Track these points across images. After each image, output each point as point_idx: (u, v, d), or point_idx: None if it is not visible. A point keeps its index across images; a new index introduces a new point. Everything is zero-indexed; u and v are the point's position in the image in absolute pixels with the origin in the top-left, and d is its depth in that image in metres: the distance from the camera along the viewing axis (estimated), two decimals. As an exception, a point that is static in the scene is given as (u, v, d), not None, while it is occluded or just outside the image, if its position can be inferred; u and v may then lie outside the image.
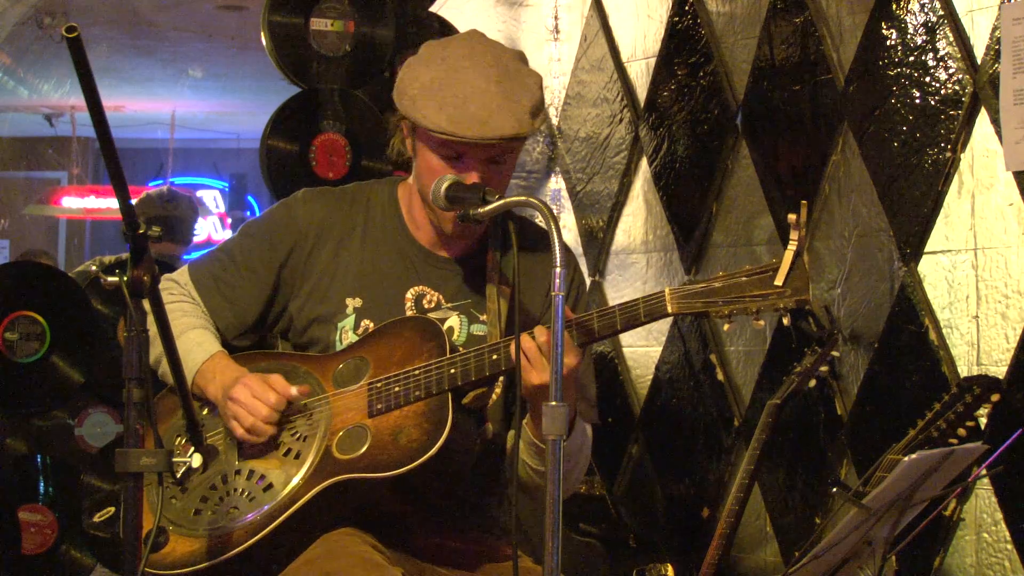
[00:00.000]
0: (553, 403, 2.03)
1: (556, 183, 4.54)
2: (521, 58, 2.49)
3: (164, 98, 11.64)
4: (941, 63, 3.24)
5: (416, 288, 2.55)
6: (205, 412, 2.51)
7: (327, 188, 2.67)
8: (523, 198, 2.31)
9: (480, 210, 2.33)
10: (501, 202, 2.31)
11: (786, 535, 3.63)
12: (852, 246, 3.46)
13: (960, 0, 3.22)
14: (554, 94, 4.52)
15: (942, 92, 3.24)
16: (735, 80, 3.85)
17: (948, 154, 3.21)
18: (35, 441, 3.91)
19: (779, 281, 2.23)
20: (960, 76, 3.20)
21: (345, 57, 4.16)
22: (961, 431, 2.61)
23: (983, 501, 3.12)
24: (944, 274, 3.24)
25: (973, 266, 3.18)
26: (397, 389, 2.38)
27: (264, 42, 4.11)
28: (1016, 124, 3.05)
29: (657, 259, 4.14)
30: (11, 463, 3.85)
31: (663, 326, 4.07)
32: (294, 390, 2.42)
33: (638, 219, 4.22)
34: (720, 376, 3.88)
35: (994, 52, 3.11)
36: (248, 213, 12.83)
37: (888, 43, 3.36)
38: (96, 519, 3.79)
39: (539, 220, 2.44)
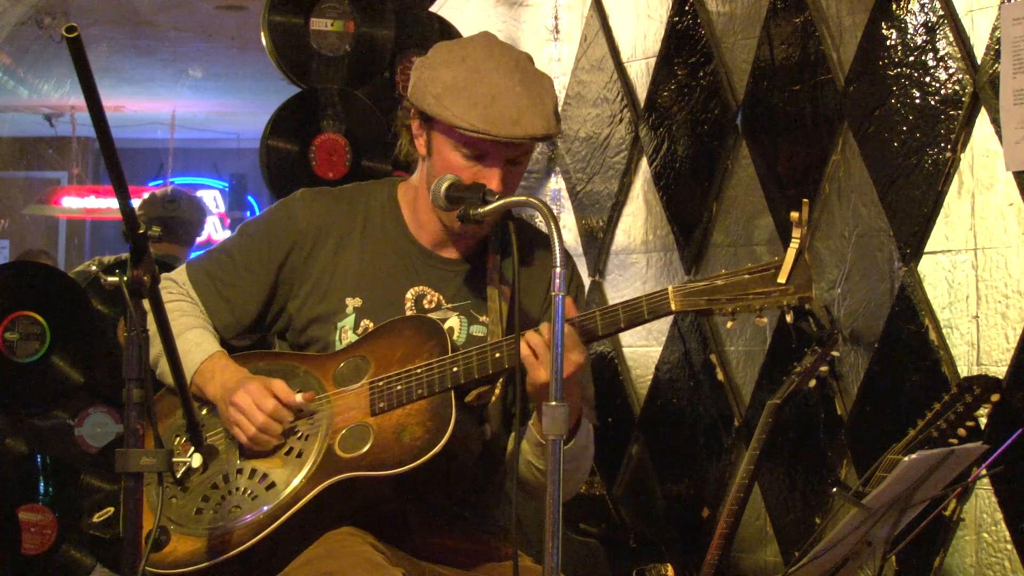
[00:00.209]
0: (553, 403, 2.03)
1: (556, 183, 4.54)
2: (531, 60, 2.51)
3: (164, 98, 11.64)
4: (941, 63, 3.24)
5: (416, 288, 2.55)
6: (204, 412, 2.51)
7: (326, 188, 2.67)
8: (523, 198, 2.32)
9: (480, 210, 2.33)
10: (501, 202, 2.31)
11: (786, 535, 3.63)
12: (852, 246, 3.46)
13: (960, 0, 3.22)
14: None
15: (942, 92, 3.23)
16: (735, 80, 3.85)
17: (948, 154, 3.21)
18: (35, 441, 3.90)
19: (782, 279, 2.24)
20: (960, 76, 3.20)
21: (345, 57, 4.15)
22: (961, 431, 2.62)
23: (983, 501, 3.12)
24: (944, 274, 3.24)
25: (973, 266, 3.18)
26: (399, 387, 2.38)
27: (264, 42, 4.10)
28: (1016, 124, 3.05)
29: (657, 259, 4.14)
30: (11, 463, 3.84)
31: (663, 326, 4.07)
32: (299, 397, 2.41)
33: (638, 219, 4.22)
34: (720, 376, 3.88)
35: (994, 52, 3.11)
36: (248, 213, 12.82)
37: (888, 43, 3.36)
38: (95, 519, 3.79)
39: (539, 220, 2.45)
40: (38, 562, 3.80)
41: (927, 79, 3.27)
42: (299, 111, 4.13)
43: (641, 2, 4.22)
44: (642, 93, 4.18)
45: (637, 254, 4.21)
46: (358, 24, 4.16)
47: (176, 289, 2.60)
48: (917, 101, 3.29)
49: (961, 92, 3.19)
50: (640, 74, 4.21)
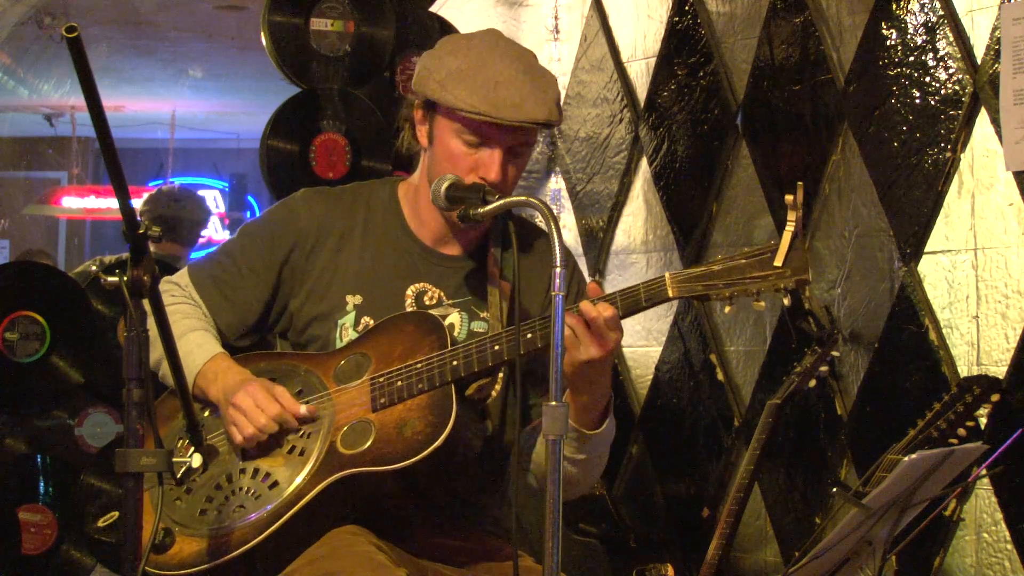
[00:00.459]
0: (553, 403, 2.02)
1: (556, 183, 4.54)
2: (535, 57, 2.53)
3: (164, 98, 11.64)
4: (941, 63, 3.24)
5: (417, 285, 2.56)
6: (206, 414, 2.51)
7: (326, 188, 2.67)
8: (523, 198, 2.32)
9: (480, 210, 2.33)
10: (501, 202, 2.32)
11: (786, 535, 3.63)
12: (852, 246, 3.46)
13: (960, 0, 3.22)
14: (554, 94, 4.52)
15: (942, 92, 3.23)
16: (735, 80, 3.85)
17: (948, 154, 3.21)
18: (35, 441, 3.90)
19: (778, 262, 2.24)
20: (960, 76, 3.20)
21: (345, 57, 4.15)
22: (961, 431, 2.62)
23: (983, 501, 3.12)
24: (944, 274, 3.24)
25: (973, 266, 3.18)
26: (400, 383, 2.39)
27: (264, 42, 4.10)
28: (1016, 124, 3.05)
29: (657, 259, 4.14)
30: (11, 463, 3.84)
31: (663, 326, 4.07)
32: (303, 408, 2.42)
33: (638, 219, 4.22)
34: (720, 376, 3.88)
35: (994, 52, 3.11)
36: (248, 213, 12.83)
37: (888, 43, 3.36)
38: (101, 523, 3.79)
39: (539, 220, 2.45)
40: (38, 562, 3.80)
41: (927, 79, 3.27)
42: (299, 111, 4.13)
43: (641, 2, 4.22)
44: (642, 93, 4.19)
45: (637, 254, 4.21)
46: (358, 24, 4.16)
47: (178, 292, 2.60)
48: (917, 101, 3.29)
49: (961, 92, 3.19)
50: (640, 74, 4.21)
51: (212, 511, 2.39)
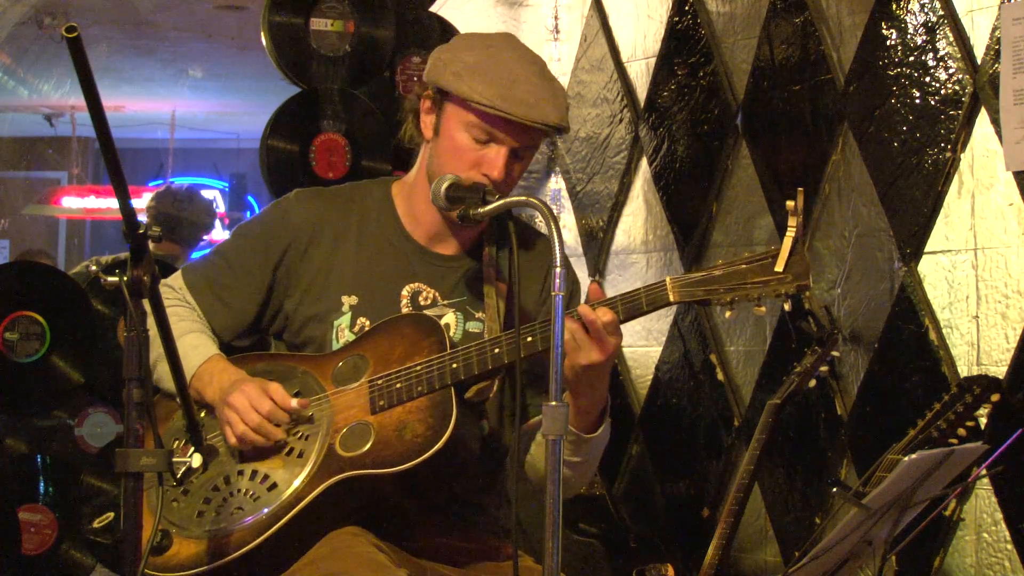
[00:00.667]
0: (553, 403, 2.02)
1: (556, 183, 4.54)
2: (547, 65, 2.54)
3: (164, 98, 11.63)
4: (941, 63, 3.24)
5: (412, 285, 2.55)
6: (203, 415, 2.51)
7: (320, 188, 2.67)
8: (523, 198, 2.32)
9: (480, 210, 2.33)
10: (501, 202, 2.32)
11: (786, 535, 3.63)
12: (852, 246, 3.46)
13: (960, 0, 3.22)
14: (554, 94, 4.51)
15: (942, 92, 3.23)
16: (735, 80, 3.85)
17: (948, 154, 3.21)
18: (35, 441, 3.90)
19: (779, 267, 2.25)
20: (960, 76, 3.20)
21: (345, 57, 4.15)
22: (961, 431, 2.62)
23: (983, 501, 3.12)
24: (944, 274, 3.24)
25: (973, 266, 3.18)
26: (399, 385, 2.38)
27: (264, 42, 4.10)
28: (1016, 124, 3.05)
29: (657, 259, 4.14)
30: (11, 463, 3.84)
31: (663, 326, 4.07)
32: (294, 402, 2.41)
33: (638, 219, 4.22)
34: (720, 376, 3.88)
35: (994, 52, 3.11)
36: (248, 213, 12.82)
37: (888, 43, 3.36)
38: (96, 524, 3.79)
39: (539, 220, 2.45)
40: (38, 562, 3.80)
41: (927, 79, 3.27)
42: (299, 111, 4.13)
43: (641, 2, 4.22)
44: (642, 93, 4.18)
45: (637, 254, 4.21)
46: (358, 24, 4.16)
47: (172, 295, 2.59)
48: (917, 101, 3.29)
49: (961, 92, 3.19)
50: (640, 74, 4.21)
51: (210, 513, 2.39)
